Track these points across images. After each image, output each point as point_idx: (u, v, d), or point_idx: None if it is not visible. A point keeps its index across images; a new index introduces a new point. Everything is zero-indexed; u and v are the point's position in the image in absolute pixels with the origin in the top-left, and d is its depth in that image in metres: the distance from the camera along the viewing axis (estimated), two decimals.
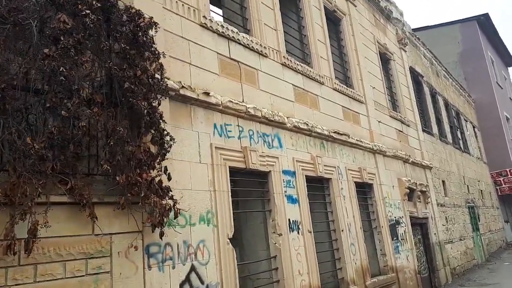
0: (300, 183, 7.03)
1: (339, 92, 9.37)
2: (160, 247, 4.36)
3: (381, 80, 12.16)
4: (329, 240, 7.84)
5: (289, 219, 6.53)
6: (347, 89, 9.73)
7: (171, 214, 4.25)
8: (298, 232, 6.66)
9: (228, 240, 5.29)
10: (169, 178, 4.25)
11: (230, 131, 5.89)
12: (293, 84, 7.72)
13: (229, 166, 5.66)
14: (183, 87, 5.10)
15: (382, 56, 12.89)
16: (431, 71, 18.19)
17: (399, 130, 12.47)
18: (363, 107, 10.41)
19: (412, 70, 15.41)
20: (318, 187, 7.98)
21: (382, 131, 11.12)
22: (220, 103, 5.68)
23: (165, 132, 4.39)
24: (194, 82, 5.47)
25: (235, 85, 6.23)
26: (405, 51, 14.95)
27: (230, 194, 5.52)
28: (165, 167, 4.21)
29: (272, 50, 7.35)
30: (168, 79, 4.95)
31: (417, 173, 12.70)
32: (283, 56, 7.55)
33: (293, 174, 6.95)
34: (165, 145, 4.26)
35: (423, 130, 14.73)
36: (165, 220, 4.15)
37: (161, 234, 4.19)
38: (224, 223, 5.28)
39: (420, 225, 12.33)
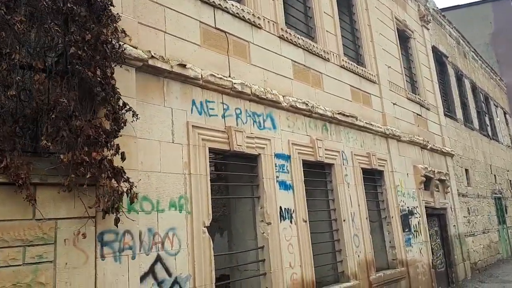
0: (296, 168, 6.42)
1: (348, 70, 8.61)
2: (117, 235, 3.88)
3: (398, 59, 11.24)
4: (330, 230, 7.23)
5: (280, 207, 5.96)
6: (357, 67, 8.95)
7: (127, 199, 3.76)
8: (291, 221, 6.09)
9: (205, 229, 4.78)
10: (123, 158, 3.74)
11: (213, 108, 5.32)
12: (292, 60, 7.04)
13: (209, 148, 5.11)
14: (152, 57, 4.55)
15: (401, 33, 11.93)
16: (457, 52, 16.95)
17: (418, 114, 11.57)
18: (376, 87, 9.60)
19: (435, 50, 14.32)
20: (318, 173, 7.34)
21: (397, 114, 10.29)
22: (200, 77, 5.11)
23: (123, 106, 3.87)
24: (169, 53, 4.91)
25: (220, 58, 5.63)
26: (428, 29, 13.86)
27: (208, 178, 4.98)
28: (117, 145, 3.69)
29: (268, 22, 6.69)
30: (135, 47, 4.42)
31: (436, 161, 11.81)
32: (281, 29, 6.87)
33: (287, 158, 6.35)
34: (119, 121, 3.73)
35: (445, 115, 13.72)
36: (116, 205, 3.65)
37: (116, 221, 3.71)
38: (200, 209, 4.76)
39: (437, 216, 11.50)
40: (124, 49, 4.01)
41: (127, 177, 3.74)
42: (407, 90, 11.30)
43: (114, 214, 3.70)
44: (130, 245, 3.97)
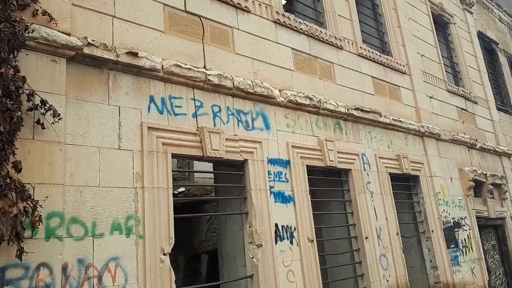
0: (298, 176, 5.27)
1: (368, 59, 7.33)
2: (27, 270, 2.97)
3: (435, 47, 9.73)
4: (350, 250, 5.95)
5: (276, 225, 4.82)
6: (380, 56, 7.64)
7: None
8: (291, 242, 4.92)
9: (164, 257, 3.77)
10: (18, 170, 2.84)
11: (179, 106, 4.35)
12: (292, 48, 5.94)
13: (174, 154, 4.13)
14: (90, 44, 3.67)
15: (437, 18, 10.40)
16: (510, 38, 14.88)
17: (462, 109, 9.92)
18: (406, 79, 8.20)
19: (482, 36, 12.51)
20: (332, 181, 6.13)
21: (435, 108, 8.78)
22: (160, 67, 4.17)
23: (43, 105, 3.01)
24: (119, 41, 4.02)
25: (193, 47, 4.67)
26: (471, 13, 12.13)
27: (171, 192, 3.99)
28: (7, 153, 2.79)
29: (260, 4, 5.65)
30: (67, 34, 3.57)
31: (488, 162, 10.04)
32: (276, 12, 5.81)
33: (286, 163, 5.21)
34: (18, 123, 2.85)
35: (499, 109, 11.83)
36: (16, 231, 2.75)
37: (19, 252, 2.81)
38: (157, 232, 3.77)
39: (494, 228, 9.71)
40: (30, 32, 3.15)
41: (28, 194, 2.84)
42: (448, 82, 9.72)
43: (16, 243, 2.80)
44: (47, 282, 3.04)
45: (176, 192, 9.06)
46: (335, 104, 6.11)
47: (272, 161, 5.05)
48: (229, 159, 4.58)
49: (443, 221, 7.62)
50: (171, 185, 4.01)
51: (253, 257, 4.53)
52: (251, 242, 4.58)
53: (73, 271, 3.23)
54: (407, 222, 7.31)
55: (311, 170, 5.65)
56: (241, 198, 4.77)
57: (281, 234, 4.84)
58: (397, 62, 8.02)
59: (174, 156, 4.16)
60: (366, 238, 5.91)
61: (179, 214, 4.15)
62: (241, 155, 4.71)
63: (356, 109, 6.44)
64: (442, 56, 10.08)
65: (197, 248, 9.33)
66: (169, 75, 4.25)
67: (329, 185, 6.26)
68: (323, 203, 6.46)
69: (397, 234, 6.50)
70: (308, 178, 5.41)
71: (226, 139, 4.57)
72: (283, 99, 5.39)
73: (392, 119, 7.15)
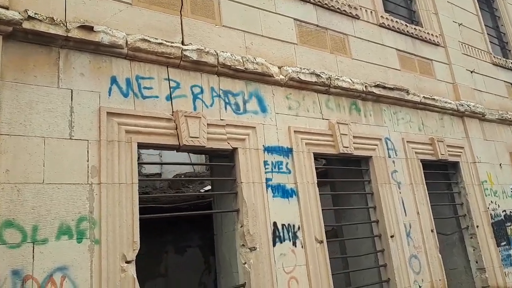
0: (303, 166, 4.49)
1: (392, 30, 6.36)
2: None
3: (476, 15, 8.49)
4: (373, 251, 5.08)
5: (274, 224, 4.08)
6: (407, 26, 6.63)
7: None
8: (295, 243, 4.16)
9: (127, 265, 3.17)
10: None
11: (150, 87, 3.72)
12: (295, 19, 5.14)
13: (139, 143, 3.51)
14: (31, 18, 3.13)
15: None
16: None
17: (511, 83, 8.60)
18: (440, 51, 7.11)
19: None
20: (350, 170, 5.29)
21: (478, 84, 7.60)
22: (123, 43, 3.56)
23: None
24: (74, 15, 3.46)
25: (167, 19, 4.02)
26: None
27: (136, 188, 3.38)
28: None
29: None
30: (6, 8, 3.06)
31: None
32: None
33: (287, 152, 4.45)
34: None
35: None
36: None
37: None
38: (117, 237, 3.17)
39: None
40: None
41: None
42: (493, 54, 8.44)
43: None
44: None
45: (202, 190, 8.55)
46: (350, 81, 5.24)
47: (269, 149, 4.31)
48: (212, 148, 3.90)
49: (491, 214, 6.50)
50: (137, 179, 3.39)
51: (245, 263, 3.83)
52: (243, 245, 3.88)
53: (6, 284, 2.69)
54: (447, 217, 6.28)
55: (321, 158, 4.86)
56: (232, 194, 4.08)
57: (281, 234, 4.10)
58: (428, 33, 6.96)
59: (141, 146, 3.55)
60: (392, 236, 5.01)
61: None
62: (228, 143, 4.02)
63: (377, 86, 5.52)
64: (486, 25, 8.80)
65: None
66: (135, 51, 3.64)
67: (346, 175, 5.43)
68: (343, 197, 5.64)
69: (432, 230, 5.52)
70: (319, 168, 4.62)
71: (208, 124, 3.89)
72: (283, 77, 4.63)
73: (423, 97, 6.14)
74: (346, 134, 4.97)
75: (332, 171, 6.02)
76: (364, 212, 5.26)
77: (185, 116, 3.72)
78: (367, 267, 5.06)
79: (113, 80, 3.53)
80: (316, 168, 4.67)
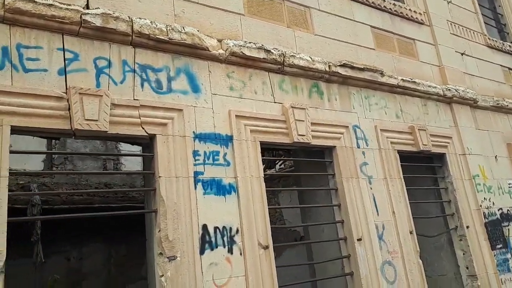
0: (246, 157, 3.73)
1: (366, 4, 5.60)
2: None
3: None
4: (338, 256, 4.30)
5: (204, 227, 3.33)
6: (385, 1, 5.85)
7: None
8: (230, 250, 3.40)
9: None
10: None
11: (37, 59, 2.98)
12: None
13: (15, 128, 2.78)
14: None
15: None
16: None
17: (510, 68, 7.77)
18: (424, 30, 6.32)
19: None
20: (312, 163, 4.54)
21: (469, 68, 6.80)
22: None
23: None
24: None
25: None
26: None
27: (4, 182, 2.65)
28: None
29: None
30: None
31: None
32: None
33: (226, 140, 3.70)
34: None
35: None
36: None
37: None
38: None
39: None
40: None
41: None
42: (488, 36, 7.63)
43: None
44: None
45: None
46: (309, 59, 4.48)
47: (202, 137, 3.56)
48: (119, 134, 3.16)
49: (484, 213, 5.68)
50: (6, 172, 2.66)
51: (162, 275, 3.08)
52: (160, 253, 3.13)
53: None
54: (432, 216, 5.48)
55: (272, 148, 4.11)
56: (151, 190, 3.34)
57: (213, 239, 3.34)
58: (410, 9, 6.18)
59: (17, 130, 2.82)
60: (359, 240, 4.23)
61: None
62: (143, 128, 3.28)
63: (343, 65, 4.75)
64: (481, 5, 8.01)
65: None
66: (15, 14, 2.91)
67: (311, 168, 4.68)
68: (308, 194, 4.88)
69: (411, 232, 4.73)
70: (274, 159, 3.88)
71: (114, 105, 3.15)
72: (222, 52, 3.88)
73: (402, 79, 5.36)
74: (303, 120, 4.21)
75: (298, 164, 5.29)
76: (330, 211, 4.49)
77: (79, 93, 2.99)
78: (330, 276, 4.29)
79: None
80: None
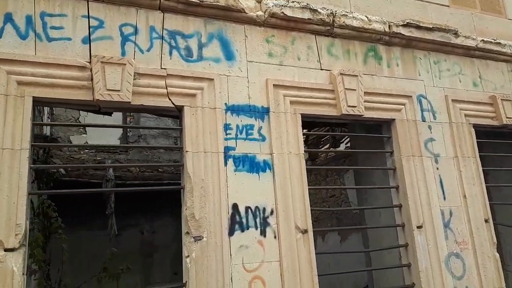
0: (284, 131, 3.36)
1: None
2: None
3: None
4: (395, 245, 3.80)
5: (235, 206, 3.07)
6: None
7: None
8: (263, 232, 3.10)
9: (3, 254, 2.43)
10: None
11: (61, 27, 2.87)
12: None
13: (36, 98, 2.72)
14: None
15: None
16: None
17: None
18: None
19: None
20: (370, 139, 4.04)
21: None
22: None
23: None
24: None
25: None
26: None
27: (25, 154, 2.60)
28: None
29: None
30: None
31: None
32: None
33: (262, 113, 3.35)
34: None
35: None
36: None
37: None
38: None
39: None
40: None
41: None
42: None
43: None
44: None
45: None
46: (365, 18, 3.90)
47: (235, 109, 3.26)
48: (144, 105, 2.97)
49: None
50: (28, 144, 2.61)
51: (188, 256, 2.89)
52: (187, 233, 2.94)
53: None
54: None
55: (312, 122, 3.69)
56: (180, 165, 3.14)
57: (244, 220, 3.07)
58: None
59: (39, 102, 2.75)
60: (419, 227, 3.67)
61: None
62: (170, 98, 3.06)
63: (406, 25, 4.08)
64: None
65: None
66: None
67: (368, 145, 4.18)
68: (365, 174, 4.40)
69: (487, 220, 4.02)
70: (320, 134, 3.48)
71: (139, 74, 2.97)
72: (261, 13, 3.50)
73: (482, 40, 4.51)
74: (354, 89, 3.70)
75: (354, 141, 4.79)
76: (388, 194, 3.96)
77: (101, 62, 2.84)
78: (385, 266, 3.82)
79: (8, 18, 2.76)
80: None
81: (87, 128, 8.44)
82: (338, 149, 6.85)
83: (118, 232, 7.90)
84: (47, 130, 7.78)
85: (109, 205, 7.86)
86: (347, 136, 6.05)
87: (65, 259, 5.45)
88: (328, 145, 8.16)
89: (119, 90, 2.86)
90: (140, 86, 2.97)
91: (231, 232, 3.00)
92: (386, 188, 3.88)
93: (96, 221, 7.83)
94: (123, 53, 3.00)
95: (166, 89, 3.06)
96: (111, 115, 4.35)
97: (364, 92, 3.74)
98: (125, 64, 2.91)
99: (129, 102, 2.89)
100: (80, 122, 8.79)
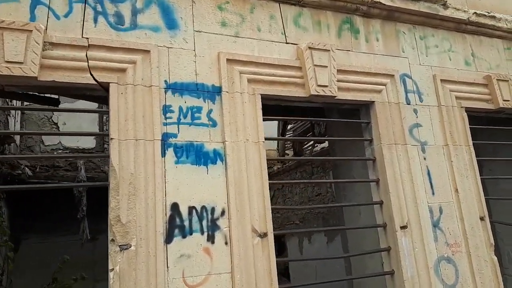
0: (240, 115, 2.79)
1: None
2: None
3: None
4: (376, 249, 3.24)
5: (174, 206, 2.49)
6: None
7: None
8: (211, 237, 2.53)
9: None
10: None
11: None
12: None
13: None
14: None
15: None
16: None
17: None
18: None
19: None
20: (347, 125, 3.48)
21: None
22: None
23: None
24: None
25: None
26: None
27: None
28: None
29: None
30: None
31: None
32: None
33: (213, 93, 2.78)
34: None
35: None
36: None
37: None
38: None
39: None
40: None
41: None
42: None
43: None
44: None
45: None
46: None
47: (177, 88, 2.68)
48: (56, 81, 2.38)
49: None
50: None
51: (112, 269, 2.31)
52: (112, 240, 2.36)
53: None
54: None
55: (284, 106, 3.12)
56: (105, 157, 2.56)
57: (186, 223, 2.49)
58: None
59: None
60: (404, 227, 3.11)
61: None
62: (92, 74, 2.47)
63: None
64: None
65: None
66: None
67: (344, 132, 3.63)
68: (344, 167, 3.85)
69: (482, 218, 3.47)
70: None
71: (52, 44, 2.38)
72: None
73: (474, 13, 3.96)
74: (325, 66, 3.13)
75: (331, 129, 4.24)
76: (369, 190, 3.41)
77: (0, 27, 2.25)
78: (367, 273, 3.27)
79: None
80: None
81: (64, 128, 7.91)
82: (309, 137, 6.28)
83: (94, 236, 7.38)
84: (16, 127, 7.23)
85: (80, 208, 7.33)
86: (323, 126, 5.48)
87: (11, 268, 4.88)
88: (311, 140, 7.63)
89: (22, 63, 2.27)
90: (53, 58, 2.38)
91: (168, 239, 2.42)
92: (364, 182, 3.32)
93: (73, 226, 7.32)
94: (33, 18, 2.41)
95: (87, 62, 2.47)
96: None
97: (338, 70, 3.18)
98: (31, 30, 2.32)
99: (36, 77, 2.30)
100: (53, 121, 8.27)
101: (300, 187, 7.83)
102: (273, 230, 2.70)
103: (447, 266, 3.22)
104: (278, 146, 8.96)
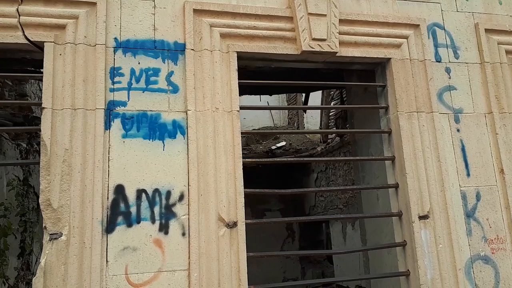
0: (209, 78, 2.27)
1: None
2: None
3: None
4: (390, 244, 2.61)
5: (118, 188, 2.07)
6: None
7: None
8: (164, 227, 2.08)
9: None
10: None
11: None
12: None
13: None
14: None
15: None
16: None
17: None
18: None
19: None
20: (360, 97, 2.84)
21: None
22: None
23: None
24: None
25: None
26: None
27: None
28: None
29: None
30: None
31: None
32: None
33: (174, 51, 2.29)
34: None
35: None
36: None
37: None
38: None
39: None
40: None
41: None
42: None
43: None
44: None
45: (274, 147, 6.91)
46: None
47: (130, 46, 2.23)
48: None
49: None
50: None
51: (43, 260, 1.96)
52: (45, 227, 2.00)
53: None
54: None
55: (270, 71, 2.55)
56: (37, 130, 2.17)
57: (132, 209, 2.06)
58: None
59: None
60: (424, 217, 2.44)
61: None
62: (24, 31, 2.08)
63: None
64: None
65: (308, 214, 7.07)
66: None
67: (361, 99, 2.98)
68: (361, 144, 3.21)
69: None
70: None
71: None
72: None
73: None
74: (323, 15, 2.48)
75: (350, 98, 3.60)
76: (382, 168, 2.76)
77: None
78: (382, 272, 2.67)
79: None
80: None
81: None
82: (312, 106, 5.51)
83: None
84: None
85: None
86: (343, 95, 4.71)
87: None
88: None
89: None
90: None
91: (109, 228, 2.02)
92: (376, 160, 2.67)
93: None
94: None
95: (18, 18, 2.08)
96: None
97: (342, 20, 2.52)
98: None
99: None
100: None
101: (344, 169, 7.12)
102: (251, 218, 2.19)
103: (484, 268, 2.51)
104: (321, 125, 8.11)
